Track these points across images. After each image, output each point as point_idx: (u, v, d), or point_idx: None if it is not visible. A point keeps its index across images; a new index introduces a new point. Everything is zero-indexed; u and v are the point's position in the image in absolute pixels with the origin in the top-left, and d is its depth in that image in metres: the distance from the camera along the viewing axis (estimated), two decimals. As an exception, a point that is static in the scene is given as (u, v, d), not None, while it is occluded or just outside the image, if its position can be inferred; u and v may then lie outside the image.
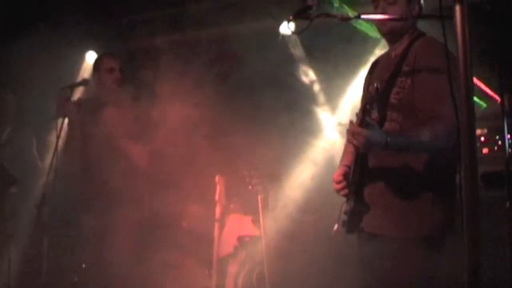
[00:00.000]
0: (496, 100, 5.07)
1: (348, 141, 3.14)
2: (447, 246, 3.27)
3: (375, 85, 3.17)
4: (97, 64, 5.15)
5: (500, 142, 4.95)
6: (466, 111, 2.18)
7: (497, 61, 2.97)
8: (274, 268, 4.97)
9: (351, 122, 3.09)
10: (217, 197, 5.11)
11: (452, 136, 3.15)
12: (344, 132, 3.19)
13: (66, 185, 5.11)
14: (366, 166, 3.35)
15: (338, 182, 3.51)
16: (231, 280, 5.08)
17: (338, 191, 3.52)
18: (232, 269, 5.22)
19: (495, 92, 5.15)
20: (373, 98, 3.08)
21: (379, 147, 3.05)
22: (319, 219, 4.84)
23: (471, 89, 2.18)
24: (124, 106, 5.07)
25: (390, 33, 3.54)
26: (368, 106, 3.07)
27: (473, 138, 2.23)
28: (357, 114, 3.13)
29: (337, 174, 3.56)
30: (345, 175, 3.51)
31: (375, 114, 3.26)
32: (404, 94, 3.32)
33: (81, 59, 6.95)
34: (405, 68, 3.37)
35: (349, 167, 3.52)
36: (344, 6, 5.77)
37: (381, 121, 3.28)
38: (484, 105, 5.26)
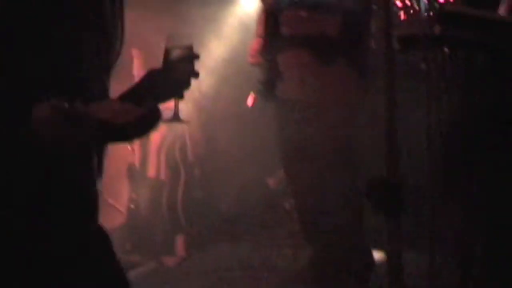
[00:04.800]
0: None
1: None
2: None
3: None
4: None
5: (417, 8, 4.97)
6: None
7: None
8: (196, 140, 4.99)
9: None
10: (134, 72, 5.01)
11: None
12: None
13: None
14: (278, 33, 3.32)
15: (253, 56, 3.53)
16: (154, 155, 5.07)
17: (252, 64, 3.54)
18: (154, 144, 5.21)
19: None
20: None
21: None
22: (239, 90, 4.81)
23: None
24: None
25: None
26: None
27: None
28: None
29: (253, 47, 3.56)
30: (260, 47, 3.51)
31: None
32: None
33: None
34: None
35: (263, 37, 3.50)
36: None
37: None
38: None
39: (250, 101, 4.29)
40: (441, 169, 2.77)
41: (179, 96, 1.68)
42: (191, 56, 1.66)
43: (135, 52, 5.02)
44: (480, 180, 2.87)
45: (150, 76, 1.66)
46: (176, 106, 1.73)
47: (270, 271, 4.28)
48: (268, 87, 3.42)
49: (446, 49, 2.90)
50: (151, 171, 4.92)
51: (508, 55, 2.82)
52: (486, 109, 2.84)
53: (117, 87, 1.69)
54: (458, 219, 2.93)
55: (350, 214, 3.48)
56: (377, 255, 3.64)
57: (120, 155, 5.21)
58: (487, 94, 2.86)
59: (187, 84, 1.66)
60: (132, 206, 4.98)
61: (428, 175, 2.67)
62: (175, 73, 1.65)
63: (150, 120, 1.65)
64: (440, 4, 3.07)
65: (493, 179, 2.86)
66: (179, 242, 4.84)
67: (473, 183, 2.84)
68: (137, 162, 5.06)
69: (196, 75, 1.66)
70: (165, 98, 1.67)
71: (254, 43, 3.60)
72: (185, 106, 1.77)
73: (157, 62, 1.70)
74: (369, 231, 3.61)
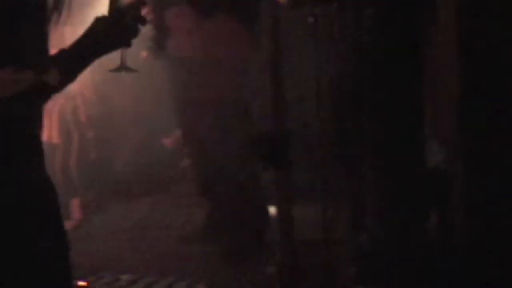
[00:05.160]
0: None
1: None
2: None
3: None
4: None
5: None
6: None
7: None
8: (88, 100, 4.86)
9: None
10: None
11: None
12: None
13: None
14: None
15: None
16: (45, 118, 4.90)
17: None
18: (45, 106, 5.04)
19: None
20: None
21: None
22: (131, 48, 4.70)
23: None
24: None
25: None
26: None
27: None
28: None
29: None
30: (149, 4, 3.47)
31: None
32: None
33: None
34: None
35: None
36: None
37: None
38: None
39: (142, 57, 4.23)
40: (332, 121, 2.81)
41: (127, 44, 1.60)
42: (138, 2, 1.60)
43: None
44: (371, 130, 2.93)
45: (97, 25, 1.58)
46: (124, 55, 1.66)
47: (168, 230, 4.27)
48: (158, 44, 3.39)
49: (334, 4, 2.93)
50: (43, 135, 4.76)
51: (395, 8, 2.87)
52: (375, 62, 2.88)
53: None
54: (349, 170, 2.99)
55: (246, 170, 3.50)
56: (270, 209, 3.69)
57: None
58: (375, 48, 2.90)
59: (135, 32, 1.59)
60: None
61: (318, 127, 2.70)
62: (122, 21, 1.58)
63: (42, 90, 1.58)
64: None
65: (384, 129, 2.92)
66: (75, 205, 4.73)
67: (363, 134, 2.90)
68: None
69: (144, 22, 1.60)
70: (112, 47, 1.61)
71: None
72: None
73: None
74: (263, 186, 3.64)
